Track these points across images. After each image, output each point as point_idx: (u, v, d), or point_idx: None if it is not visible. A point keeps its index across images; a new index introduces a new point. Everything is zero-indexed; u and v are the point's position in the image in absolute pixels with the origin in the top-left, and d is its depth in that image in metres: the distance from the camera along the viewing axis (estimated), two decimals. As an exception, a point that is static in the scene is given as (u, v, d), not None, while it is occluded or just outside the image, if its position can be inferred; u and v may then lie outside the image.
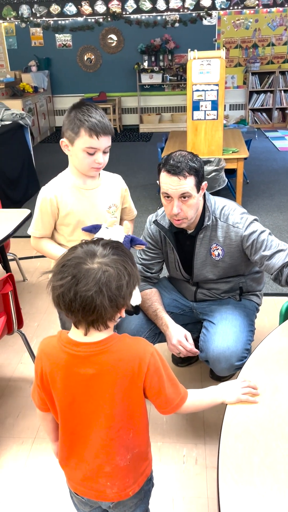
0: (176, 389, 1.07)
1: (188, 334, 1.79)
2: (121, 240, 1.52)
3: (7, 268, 2.77)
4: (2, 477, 1.76)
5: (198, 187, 1.64)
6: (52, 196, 1.64)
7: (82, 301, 0.90)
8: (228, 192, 4.58)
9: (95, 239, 1.01)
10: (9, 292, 1.92)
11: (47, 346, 1.05)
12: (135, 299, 1.60)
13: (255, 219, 1.73)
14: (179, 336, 1.76)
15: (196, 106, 3.83)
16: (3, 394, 2.18)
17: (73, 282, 0.91)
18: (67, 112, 1.58)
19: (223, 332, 1.76)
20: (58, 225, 1.71)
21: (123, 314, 0.99)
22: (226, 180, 3.91)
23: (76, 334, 1.01)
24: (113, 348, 1.00)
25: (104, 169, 1.73)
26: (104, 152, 1.57)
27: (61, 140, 1.60)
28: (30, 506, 1.65)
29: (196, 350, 1.78)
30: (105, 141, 1.54)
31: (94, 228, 1.58)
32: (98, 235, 1.55)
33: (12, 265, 2.99)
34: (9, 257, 2.87)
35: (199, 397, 1.14)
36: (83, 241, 1.00)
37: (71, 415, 1.05)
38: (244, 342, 1.75)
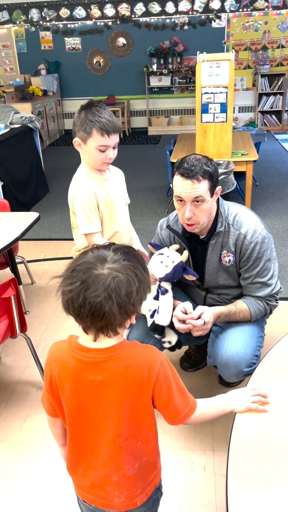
0: (185, 399, 1.05)
1: (187, 306, 1.68)
2: (178, 262, 1.73)
3: (15, 271, 2.78)
4: (9, 482, 1.76)
5: (212, 191, 1.62)
6: (91, 190, 1.77)
7: (91, 307, 0.89)
8: (237, 195, 4.55)
9: (106, 243, 1.00)
10: (12, 296, 1.90)
11: (57, 351, 1.04)
12: (164, 318, 1.72)
13: (266, 238, 1.71)
14: (175, 312, 1.68)
15: (205, 109, 3.82)
16: (10, 398, 2.17)
17: (82, 287, 0.89)
18: (77, 112, 1.70)
19: (232, 337, 1.74)
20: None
21: (133, 320, 0.98)
22: (235, 183, 3.89)
23: (85, 339, 0.99)
24: (122, 355, 0.98)
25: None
26: (113, 148, 1.73)
27: (74, 140, 1.73)
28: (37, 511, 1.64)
29: (187, 327, 1.65)
30: (115, 138, 1.70)
31: (159, 247, 1.80)
32: (162, 251, 1.77)
33: (20, 268, 2.99)
34: (17, 260, 2.87)
35: (208, 407, 1.12)
36: (95, 245, 0.99)
37: (79, 422, 1.04)
38: (254, 348, 1.73)
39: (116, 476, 1.05)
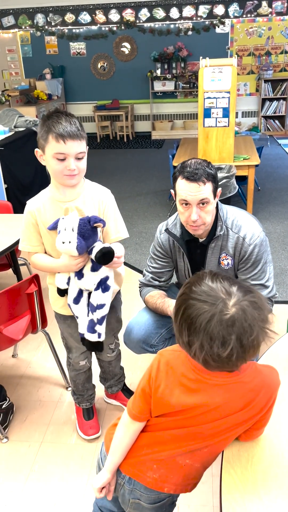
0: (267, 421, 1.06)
1: None
2: (76, 224, 1.44)
3: (17, 272, 2.80)
4: (8, 481, 1.77)
5: (214, 193, 1.66)
6: (34, 208, 1.61)
7: (250, 345, 0.88)
8: (239, 199, 4.57)
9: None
10: (34, 292, 1.96)
11: (174, 360, 1.02)
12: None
13: (264, 240, 1.74)
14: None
15: (207, 113, 3.84)
16: (11, 397, 2.19)
17: (236, 338, 0.87)
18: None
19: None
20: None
21: None
22: (237, 187, 3.91)
23: None
24: (245, 378, 0.98)
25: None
26: (78, 159, 1.50)
27: (36, 150, 1.54)
28: (36, 511, 1.65)
29: None
30: (74, 146, 1.47)
31: (55, 224, 1.53)
32: (59, 227, 1.49)
33: (23, 269, 3.01)
34: (19, 262, 2.89)
35: None
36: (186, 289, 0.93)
37: (170, 424, 1.04)
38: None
39: (163, 455, 1.07)
